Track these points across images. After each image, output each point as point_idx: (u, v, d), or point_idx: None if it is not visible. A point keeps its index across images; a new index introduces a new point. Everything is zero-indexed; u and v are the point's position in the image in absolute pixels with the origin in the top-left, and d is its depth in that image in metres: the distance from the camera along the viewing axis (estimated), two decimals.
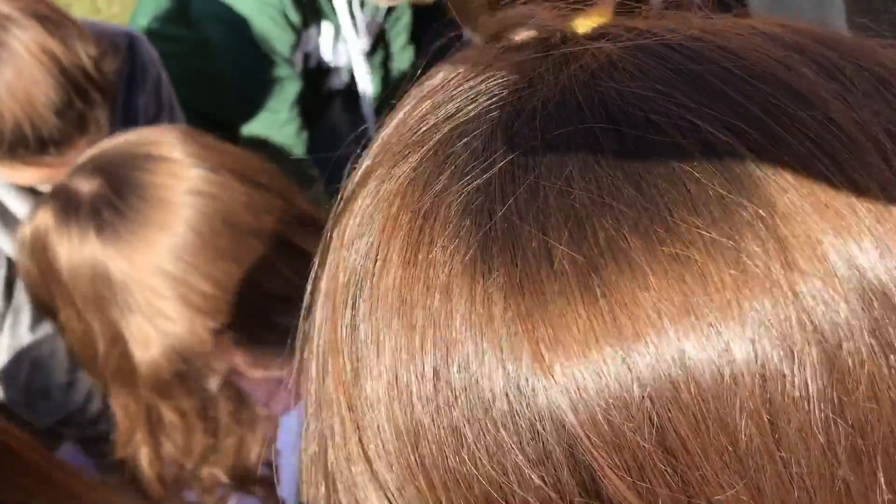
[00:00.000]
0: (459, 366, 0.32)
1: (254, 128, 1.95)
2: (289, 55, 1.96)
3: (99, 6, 3.52)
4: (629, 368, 0.30)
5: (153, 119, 1.47)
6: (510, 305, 0.31)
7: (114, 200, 0.91)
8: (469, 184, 0.34)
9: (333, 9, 2.00)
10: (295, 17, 1.94)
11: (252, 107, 1.93)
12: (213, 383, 0.96)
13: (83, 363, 1.02)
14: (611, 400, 0.30)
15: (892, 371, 0.30)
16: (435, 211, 0.34)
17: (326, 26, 2.03)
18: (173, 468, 1.00)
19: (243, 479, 0.97)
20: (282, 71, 1.95)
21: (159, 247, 0.91)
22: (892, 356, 0.30)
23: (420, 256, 0.34)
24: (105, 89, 1.21)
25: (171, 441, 0.98)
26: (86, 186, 0.94)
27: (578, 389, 0.30)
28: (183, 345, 0.92)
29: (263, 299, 0.94)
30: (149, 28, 1.99)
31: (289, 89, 1.96)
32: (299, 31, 1.97)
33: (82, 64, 1.18)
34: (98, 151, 0.98)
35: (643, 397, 0.30)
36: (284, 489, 0.81)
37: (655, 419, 0.30)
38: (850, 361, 0.30)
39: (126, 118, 1.41)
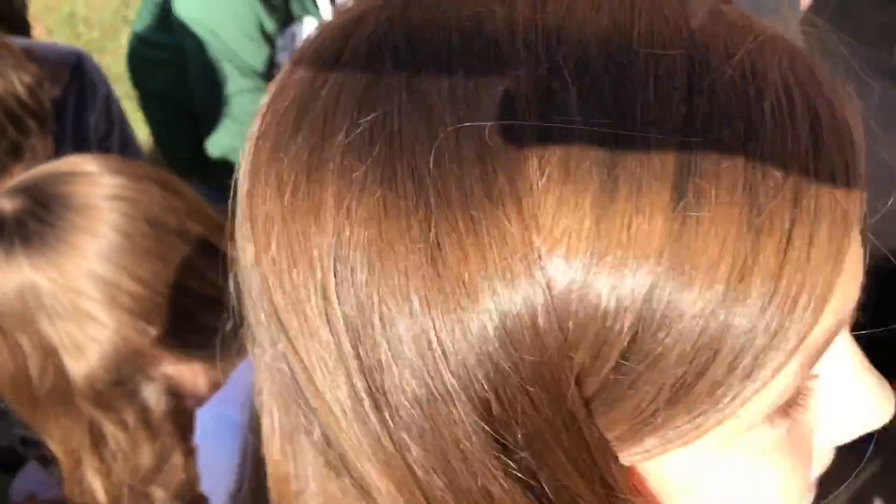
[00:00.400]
0: None
1: (221, 138, 1.97)
2: (262, 68, 1.97)
3: (79, 31, 3.57)
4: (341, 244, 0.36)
5: (105, 136, 1.49)
6: (290, 179, 0.37)
7: (38, 212, 0.93)
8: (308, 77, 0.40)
9: (316, 5, 2.00)
10: (270, 26, 1.95)
11: (218, 117, 1.95)
12: (151, 390, 0.98)
13: (16, 401, 1.01)
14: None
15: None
16: (286, 93, 0.40)
17: (310, 22, 2.04)
18: (124, 491, 1.01)
19: (193, 497, 0.98)
20: (251, 83, 1.96)
21: (87, 251, 0.92)
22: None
23: (278, 131, 0.40)
24: (41, 117, 1.23)
25: (117, 461, 0.99)
26: (9, 206, 0.95)
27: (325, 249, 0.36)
28: (115, 350, 0.94)
29: (191, 300, 0.95)
30: (141, 35, 2.02)
31: (257, 101, 1.97)
32: (273, 40, 1.98)
33: (16, 92, 1.20)
34: (19, 178, 1.00)
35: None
36: (205, 484, 0.82)
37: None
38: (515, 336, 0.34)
39: (77, 136, 1.43)
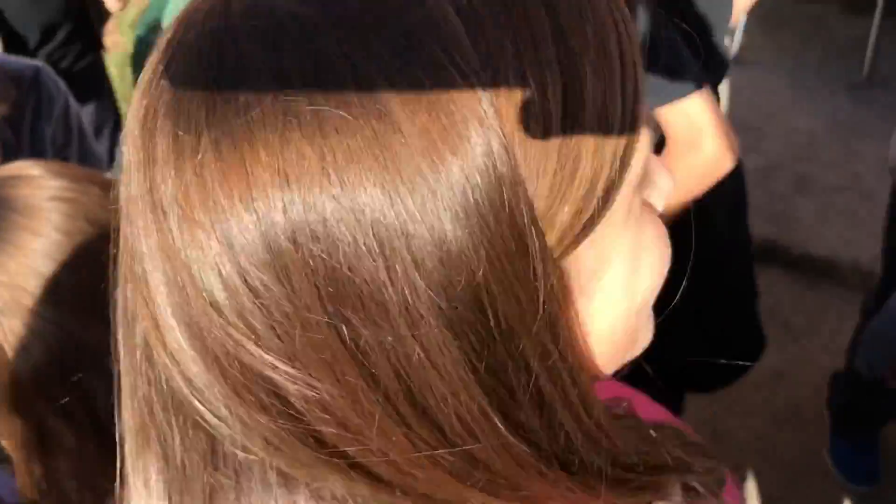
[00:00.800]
0: None
1: None
2: None
3: None
4: None
5: (62, 147, 1.52)
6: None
7: None
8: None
9: None
10: None
11: None
12: (97, 385, 1.00)
13: None
14: None
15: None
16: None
17: None
18: (72, 484, 1.03)
19: None
20: None
21: (29, 250, 0.95)
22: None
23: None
24: None
25: (65, 456, 1.01)
26: None
27: None
28: (60, 346, 0.96)
29: None
30: (143, 38, 2.07)
31: None
32: None
33: None
34: None
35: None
36: None
37: None
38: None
39: (34, 147, 1.46)
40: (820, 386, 2.61)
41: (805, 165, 3.52)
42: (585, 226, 0.44)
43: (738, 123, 3.46)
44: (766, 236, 3.13)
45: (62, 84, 1.56)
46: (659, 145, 1.48)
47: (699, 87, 1.43)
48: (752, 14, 4.10)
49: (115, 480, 1.03)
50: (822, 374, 2.62)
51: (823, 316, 2.94)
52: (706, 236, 1.69)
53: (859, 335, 2.33)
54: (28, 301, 0.95)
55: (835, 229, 3.22)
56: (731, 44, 3.90)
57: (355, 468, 0.44)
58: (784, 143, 3.63)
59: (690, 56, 1.43)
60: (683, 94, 1.41)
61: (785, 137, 3.66)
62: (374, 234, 0.38)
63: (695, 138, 1.44)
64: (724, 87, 3.06)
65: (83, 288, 0.96)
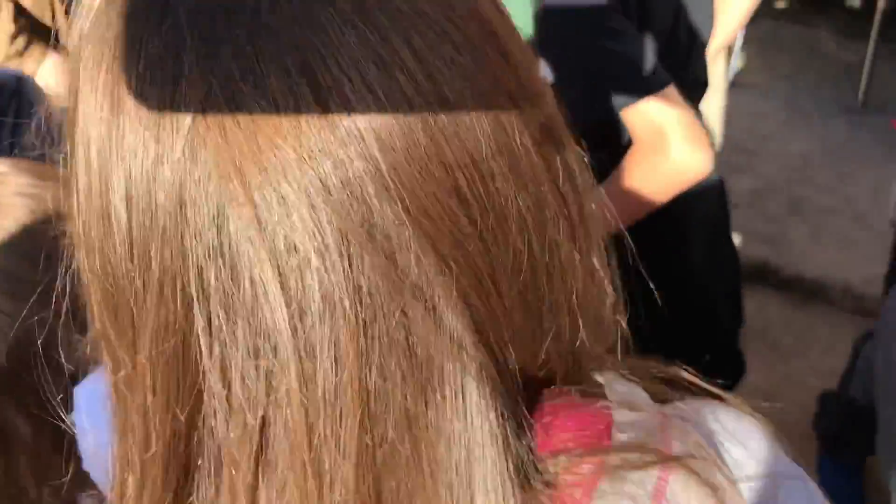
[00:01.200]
0: None
1: None
2: None
3: None
4: None
5: (40, 157, 1.54)
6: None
7: None
8: None
9: None
10: None
11: None
12: (51, 378, 1.01)
13: None
14: None
15: None
16: None
17: None
18: (29, 475, 1.03)
19: (81, 478, 1.01)
20: None
21: None
22: None
23: None
24: None
25: (25, 451, 1.02)
26: None
27: None
28: (17, 340, 0.98)
29: None
30: None
31: None
32: None
33: None
34: None
35: None
36: (85, 463, 0.85)
37: None
38: None
39: (12, 155, 1.48)
40: (808, 407, 2.60)
41: (799, 188, 3.54)
42: None
43: (733, 146, 3.50)
44: (759, 257, 3.13)
45: (43, 94, 1.59)
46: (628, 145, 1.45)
47: (660, 88, 1.39)
48: (748, 38, 4.13)
49: (67, 476, 1.04)
50: (810, 395, 2.62)
51: (813, 337, 2.94)
52: (682, 261, 1.67)
53: (852, 364, 2.33)
54: None
55: (827, 251, 3.23)
56: (728, 67, 3.92)
57: None
58: (778, 166, 3.64)
59: (652, 58, 1.41)
60: (641, 96, 1.37)
61: (779, 160, 3.67)
62: None
63: (658, 141, 1.38)
64: (719, 110, 3.09)
65: (45, 282, 0.97)
